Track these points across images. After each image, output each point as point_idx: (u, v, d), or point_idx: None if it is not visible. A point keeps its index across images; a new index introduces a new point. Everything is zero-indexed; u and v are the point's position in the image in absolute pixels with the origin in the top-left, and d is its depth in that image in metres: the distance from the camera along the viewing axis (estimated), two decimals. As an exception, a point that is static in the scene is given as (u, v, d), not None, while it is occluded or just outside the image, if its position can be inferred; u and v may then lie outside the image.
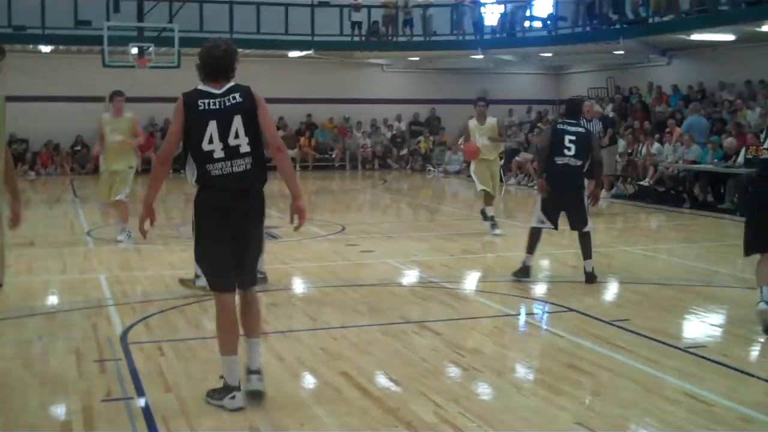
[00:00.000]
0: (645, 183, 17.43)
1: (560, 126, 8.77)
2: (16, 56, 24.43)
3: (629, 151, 18.85)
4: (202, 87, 4.94)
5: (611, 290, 8.82)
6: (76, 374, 5.68)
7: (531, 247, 8.77)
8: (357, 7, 25.67)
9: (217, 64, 4.95)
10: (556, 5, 24.24)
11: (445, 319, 7.33)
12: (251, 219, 5.00)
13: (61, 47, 24.18)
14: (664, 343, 6.40)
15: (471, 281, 9.37)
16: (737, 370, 5.76)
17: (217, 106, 4.86)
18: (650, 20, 20.93)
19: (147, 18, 23.14)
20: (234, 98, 4.90)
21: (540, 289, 8.80)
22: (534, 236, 8.78)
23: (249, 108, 4.92)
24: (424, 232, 12.54)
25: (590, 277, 8.64)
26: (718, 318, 7.63)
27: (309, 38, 25.06)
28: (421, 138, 27.24)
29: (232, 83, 4.96)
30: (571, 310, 7.53)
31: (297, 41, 24.86)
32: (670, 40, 22.05)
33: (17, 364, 5.95)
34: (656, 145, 18.10)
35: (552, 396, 5.26)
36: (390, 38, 26.28)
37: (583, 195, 8.73)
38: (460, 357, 6.06)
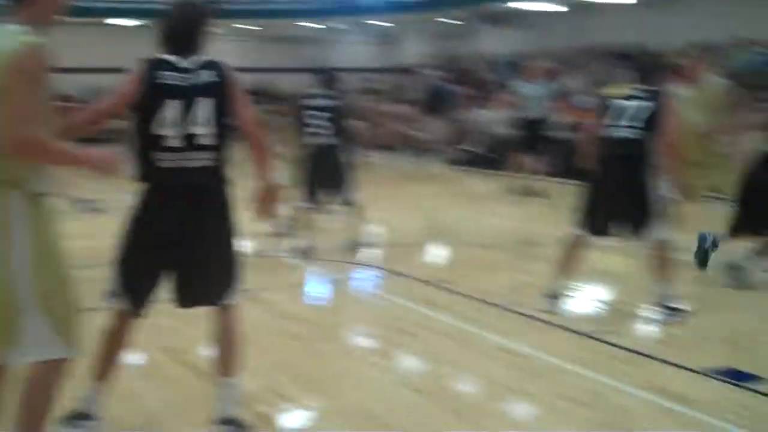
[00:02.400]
0: (473, 148, 17.91)
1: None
2: None
3: (459, 117, 19.30)
4: (161, 55, 3.89)
5: (439, 253, 9.02)
6: None
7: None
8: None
9: (182, 31, 3.92)
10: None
11: (275, 288, 7.31)
12: (209, 228, 3.90)
13: None
14: (485, 302, 6.62)
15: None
16: (553, 324, 6.02)
17: (179, 82, 3.81)
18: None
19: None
20: (203, 73, 3.86)
21: (370, 254, 8.90)
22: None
23: (222, 90, 3.88)
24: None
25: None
26: (540, 277, 7.92)
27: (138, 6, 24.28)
28: (259, 107, 26.88)
29: (202, 58, 3.92)
30: (399, 273, 7.67)
31: (125, 9, 24.08)
32: (501, 9, 22.63)
33: None
34: (484, 111, 18.57)
35: (377, 359, 5.35)
36: (226, 6, 25.75)
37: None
38: (289, 325, 6.07)
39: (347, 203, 8.54)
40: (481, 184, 15.61)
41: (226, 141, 3.91)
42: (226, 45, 28.09)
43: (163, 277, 3.95)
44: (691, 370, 4.99)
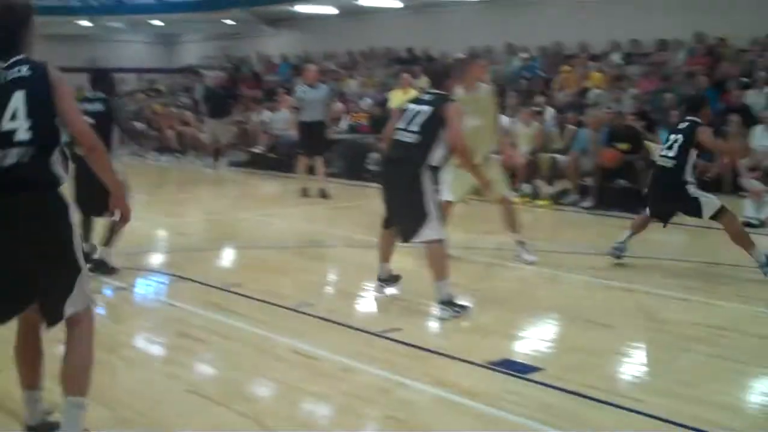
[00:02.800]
0: (257, 150, 17.92)
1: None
2: None
3: (241, 119, 19.24)
4: None
5: (226, 257, 9.00)
6: None
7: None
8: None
9: None
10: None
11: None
12: (30, 233, 3.63)
13: None
14: (275, 304, 6.68)
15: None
16: (340, 324, 6.18)
17: None
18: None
19: None
20: (20, 70, 3.66)
21: (156, 259, 8.73)
22: None
23: (37, 84, 3.66)
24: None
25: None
26: (327, 277, 8.11)
27: None
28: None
29: (21, 56, 3.73)
30: (186, 278, 7.58)
31: None
32: (277, 11, 22.76)
33: None
34: (266, 113, 18.62)
35: (163, 366, 5.30)
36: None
37: None
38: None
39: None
40: (267, 186, 15.66)
41: (50, 138, 3.68)
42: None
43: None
44: (471, 363, 5.28)
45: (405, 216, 6.46)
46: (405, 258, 8.41)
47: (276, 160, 17.37)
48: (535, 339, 5.99)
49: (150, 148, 19.37)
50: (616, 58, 16.97)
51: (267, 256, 8.76)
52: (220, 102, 17.05)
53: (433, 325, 6.32)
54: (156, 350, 5.69)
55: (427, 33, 20.25)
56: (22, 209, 3.61)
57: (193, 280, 7.51)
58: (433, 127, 6.31)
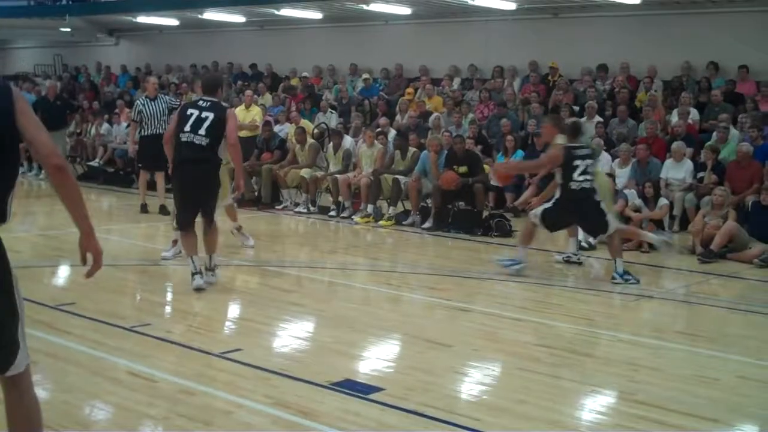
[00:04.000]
0: (95, 163, 17.36)
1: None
2: None
3: (78, 131, 18.61)
4: None
5: (58, 274, 8.66)
6: None
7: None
8: None
9: None
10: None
11: None
12: None
13: None
14: (111, 324, 6.48)
15: None
16: (179, 344, 6.06)
17: None
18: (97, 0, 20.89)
19: None
20: None
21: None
22: None
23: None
24: None
25: None
26: (163, 295, 7.93)
27: None
28: None
29: None
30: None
31: None
32: (117, 20, 22.18)
33: None
34: (105, 125, 18.07)
35: None
36: None
37: None
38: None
39: None
40: (105, 201, 15.17)
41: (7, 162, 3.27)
42: None
43: None
44: (312, 383, 5.28)
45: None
46: (250, 277, 8.36)
47: (114, 174, 16.88)
48: (376, 359, 6.06)
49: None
50: (455, 83, 17.47)
51: (103, 274, 8.39)
52: (54, 112, 16.37)
53: (274, 346, 6.30)
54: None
55: (273, 50, 20.25)
56: None
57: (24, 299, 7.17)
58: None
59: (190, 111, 7.70)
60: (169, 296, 7.96)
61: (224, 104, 8.13)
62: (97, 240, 3.50)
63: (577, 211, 8.63)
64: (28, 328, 6.23)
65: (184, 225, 7.81)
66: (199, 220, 7.81)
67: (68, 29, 22.88)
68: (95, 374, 5.36)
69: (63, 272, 8.73)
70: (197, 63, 21.35)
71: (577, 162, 8.46)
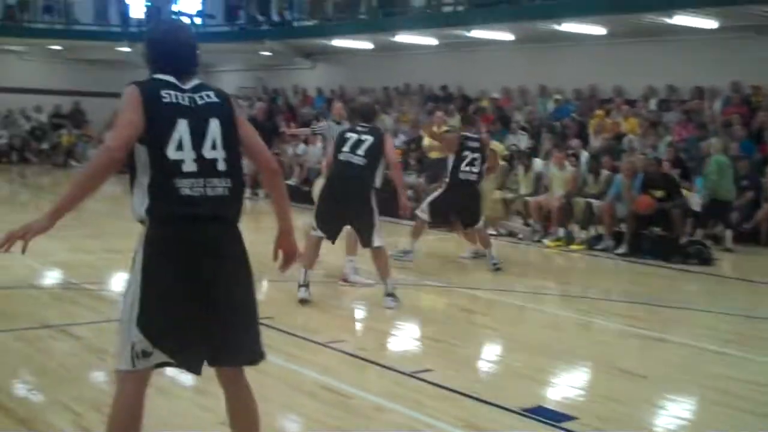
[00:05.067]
0: (291, 182, 17.98)
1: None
2: None
3: (277, 151, 19.33)
4: (160, 75, 3.54)
5: (260, 290, 8.95)
6: None
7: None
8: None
9: (182, 53, 3.62)
10: (204, 2, 24.26)
11: (86, 322, 7.05)
12: (234, 267, 3.53)
13: None
14: (306, 339, 6.64)
15: (114, 282, 9.08)
16: (372, 362, 6.12)
17: (187, 103, 3.47)
18: (294, 24, 21.65)
19: None
20: (209, 96, 3.54)
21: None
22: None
23: (228, 112, 3.55)
24: (65, 231, 11.90)
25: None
26: (356, 312, 8.07)
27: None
28: (63, 131, 25.90)
29: (198, 80, 3.61)
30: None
31: None
32: (313, 44, 22.95)
33: None
34: (301, 146, 18.69)
35: (196, 397, 5.26)
36: (27, 24, 24.72)
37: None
38: (102, 362, 5.86)
39: None
40: (299, 220, 15.63)
41: (239, 171, 3.56)
42: (28, 65, 27.00)
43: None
44: (502, 407, 5.20)
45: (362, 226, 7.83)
46: (440, 298, 8.38)
47: (308, 193, 17.37)
48: (568, 386, 5.91)
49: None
50: (652, 104, 16.91)
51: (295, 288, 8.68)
52: (263, 133, 17.10)
53: (465, 367, 6.25)
54: (187, 380, 5.66)
55: (462, 71, 20.31)
56: (223, 245, 3.50)
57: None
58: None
59: (348, 134, 8.02)
60: (362, 313, 8.10)
61: (380, 128, 8.49)
62: (295, 239, 3.81)
63: None
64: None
65: (323, 230, 8.00)
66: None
67: (268, 53, 23.88)
68: (290, 387, 5.50)
69: (264, 288, 9.04)
70: (389, 85, 21.75)
71: None
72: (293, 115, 22.39)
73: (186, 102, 3.46)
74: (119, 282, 9.06)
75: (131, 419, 3.45)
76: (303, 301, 7.81)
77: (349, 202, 7.89)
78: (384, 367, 6.02)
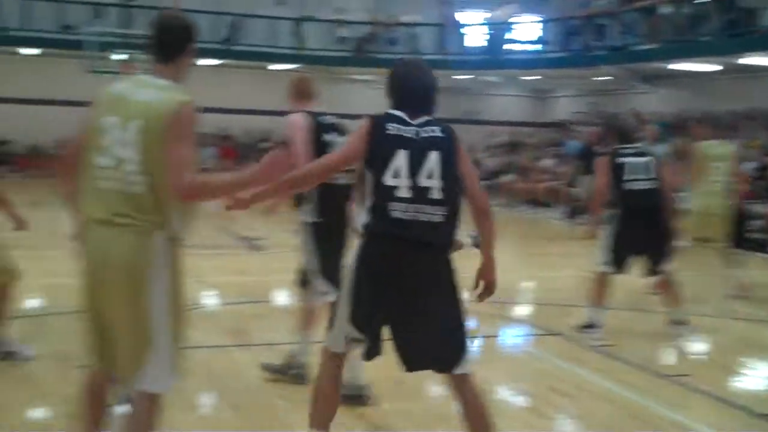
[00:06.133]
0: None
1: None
2: (-1, 58, 24.39)
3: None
4: (394, 111, 3.98)
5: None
6: (58, 378, 5.59)
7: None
8: (341, 23, 25.81)
9: (417, 94, 4.01)
10: (544, 29, 24.45)
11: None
12: (432, 280, 3.84)
13: (44, 50, 24.01)
14: (649, 370, 6.39)
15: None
16: (720, 398, 5.76)
17: (411, 135, 3.85)
18: (632, 48, 21.15)
19: (133, 25, 23.12)
20: (433, 131, 3.90)
21: (522, 310, 8.76)
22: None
23: (448, 147, 3.88)
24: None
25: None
26: (705, 348, 7.62)
27: (296, 51, 25.11)
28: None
29: (428, 117, 3.97)
30: (555, 333, 7.51)
31: (284, 54, 24.84)
32: (652, 68, 22.25)
33: (2, 364, 5.90)
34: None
35: (535, 419, 5.24)
36: (374, 55, 26.37)
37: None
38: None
39: None
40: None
41: (454, 203, 3.87)
42: (376, 93, 28.67)
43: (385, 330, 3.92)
44: None
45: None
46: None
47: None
48: None
49: (519, 201, 19.72)
50: None
51: (640, 318, 8.40)
52: (591, 158, 16.88)
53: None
54: (523, 400, 5.66)
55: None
56: (427, 266, 3.84)
57: (562, 335, 7.42)
58: None
59: (628, 160, 7.20)
60: (707, 348, 7.63)
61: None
62: (496, 272, 4.08)
63: None
64: (568, 363, 6.46)
65: (618, 267, 7.27)
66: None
67: (604, 78, 23.53)
68: (633, 418, 5.31)
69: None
70: (735, 109, 20.53)
71: None
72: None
73: (409, 134, 3.84)
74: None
75: (335, 388, 4.03)
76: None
77: (652, 234, 7.17)
78: (734, 405, 5.62)
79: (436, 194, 3.79)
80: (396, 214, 3.76)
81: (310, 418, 4.04)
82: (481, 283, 4.09)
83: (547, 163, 20.94)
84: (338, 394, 4.08)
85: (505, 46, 25.01)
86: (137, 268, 3.42)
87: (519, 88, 29.06)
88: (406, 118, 3.90)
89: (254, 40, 24.62)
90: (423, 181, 3.78)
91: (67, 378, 5.56)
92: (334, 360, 4.02)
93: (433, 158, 3.81)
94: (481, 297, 4.11)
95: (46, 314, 7.55)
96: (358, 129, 3.91)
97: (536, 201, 19.35)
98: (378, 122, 3.88)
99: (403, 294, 3.79)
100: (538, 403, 5.56)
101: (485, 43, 25.24)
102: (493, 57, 24.99)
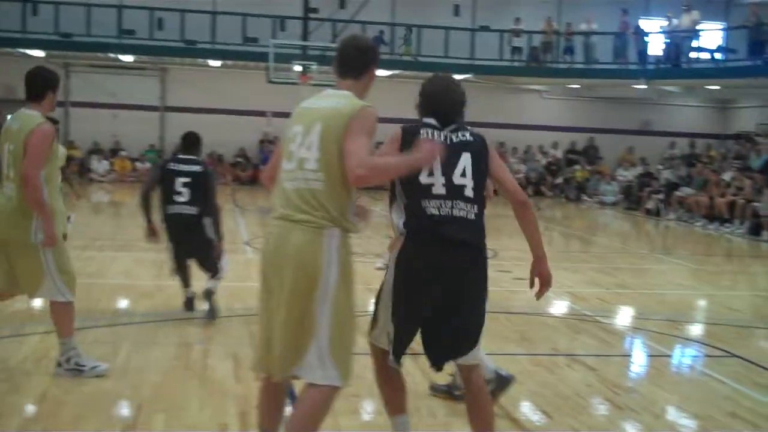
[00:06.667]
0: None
1: None
2: (186, 70, 25.68)
3: None
4: (425, 119, 4.23)
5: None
6: (233, 379, 5.83)
7: None
8: (517, 33, 25.63)
9: (445, 108, 4.23)
10: (726, 37, 23.41)
11: (597, 354, 7.13)
12: (470, 278, 4.07)
13: (228, 62, 25.11)
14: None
15: (625, 317, 9.08)
16: None
17: (443, 139, 4.10)
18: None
19: (311, 37, 23.83)
20: (464, 135, 4.15)
21: (697, 330, 8.43)
22: None
23: (479, 148, 4.13)
24: (577, 263, 12.24)
25: None
26: None
27: (469, 62, 25.15)
28: (577, 167, 26.77)
29: (458, 125, 4.22)
30: (733, 355, 7.17)
31: (457, 64, 24.92)
32: None
33: (179, 365, 6.20)
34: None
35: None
36: (549, 65, 26.04)
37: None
38: (614, 395, 5.87)
39: None
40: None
41: (483, 202, 4.13)
42: (548, 103, 28.35)
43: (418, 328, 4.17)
44: None
45: None
46: None
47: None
48: None
49: (697, 215, 18.99)
50: None
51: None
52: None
53: None
54: (703, 425, 5.42)
55: None
56: (463, 258, 4.06)
57: (740, 357, 7.09)
58: None
59: None
60: None
61: None
62: (548, 266, 4.23)
63: None
64: (752, 389, 6.16)
65: None
66: None
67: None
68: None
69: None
70: None
71: None
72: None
73: (441, 138, 4.09)
74: (627, 317, 9.06)
75: (388, 378, 4.27)
76: None
77: None
78: None
79: (469, 192, 4.04)
80: (431, 211, 4.00)
81: (385, 408, 4.37)
82: (537, 280, 4.26)
83: (729, 176, 20.03)
84: (395, 380, 4.28)
85: (689, 54, 24.12)
86: (309, 259, 3.69)
87: (699, 99, 27.98)
88: (437, 125, 4.16)
89: (428, 50, 24.86)
90: (457, 179, 4.03)
91: (241, 378, 5.81)
92: (384, 355, 4.19)
93: (465, 158, 4.07)
94: (540, 293, 4.26)
95: (224, 316, 7.83)
96: (389, 137, 4.15)
97: (715, 216, 18.53)
98: (410, 129, 4.14)
99: (440, 292, 4.00)
100: (714, 427, 5.32)
101: (665, 52, 24.40)
102: (674, 66, 24.16)
